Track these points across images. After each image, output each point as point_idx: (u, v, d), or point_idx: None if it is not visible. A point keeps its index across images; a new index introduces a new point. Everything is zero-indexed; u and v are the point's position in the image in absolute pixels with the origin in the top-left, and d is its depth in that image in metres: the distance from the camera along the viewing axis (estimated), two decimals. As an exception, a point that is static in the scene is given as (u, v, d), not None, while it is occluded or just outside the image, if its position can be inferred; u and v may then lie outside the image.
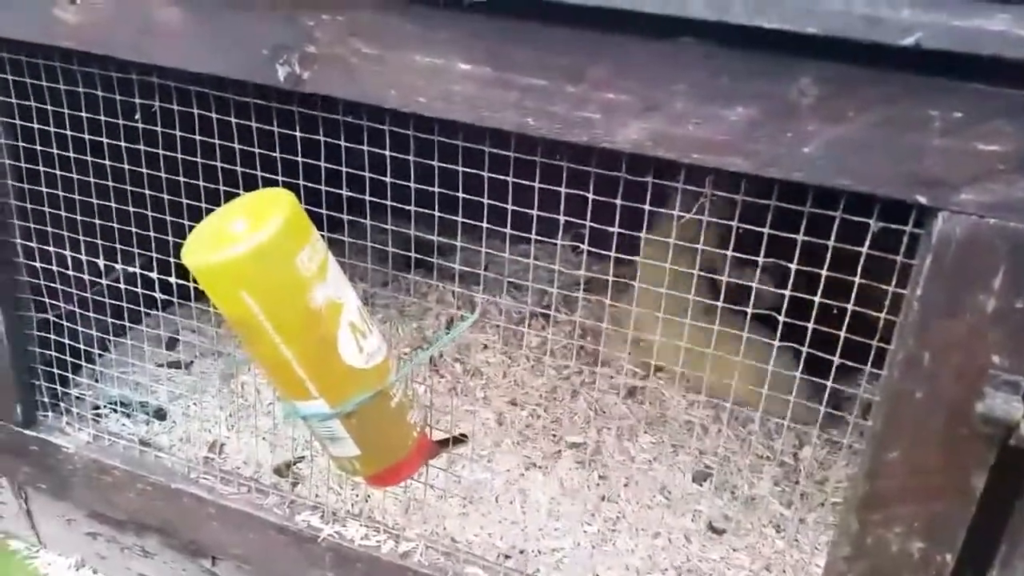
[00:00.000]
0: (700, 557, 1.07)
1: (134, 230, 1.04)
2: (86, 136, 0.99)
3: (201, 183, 0.94)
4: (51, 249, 1.08)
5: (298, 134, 0.89)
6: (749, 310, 0.81)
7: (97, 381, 1.24)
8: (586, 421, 1.30)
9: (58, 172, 1.03)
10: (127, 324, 1.11)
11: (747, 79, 0.64)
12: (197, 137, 0.94)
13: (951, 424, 0.68)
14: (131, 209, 1.02)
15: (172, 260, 0.90)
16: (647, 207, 0.77)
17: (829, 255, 0.70)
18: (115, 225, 1.03)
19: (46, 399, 1.17)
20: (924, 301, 0.65)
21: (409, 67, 0.74)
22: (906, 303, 0.67)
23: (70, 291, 1.10)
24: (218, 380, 1.34)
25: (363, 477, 0.88)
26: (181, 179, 0.97)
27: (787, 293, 0.75)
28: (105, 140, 0.98)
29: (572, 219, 0.82)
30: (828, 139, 0.63)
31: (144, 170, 0.99)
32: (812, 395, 0.87)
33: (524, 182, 0.81)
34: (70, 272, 1.08)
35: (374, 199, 0.90)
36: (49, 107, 0.98)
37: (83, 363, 1.18)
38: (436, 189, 0.85)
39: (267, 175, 0.91)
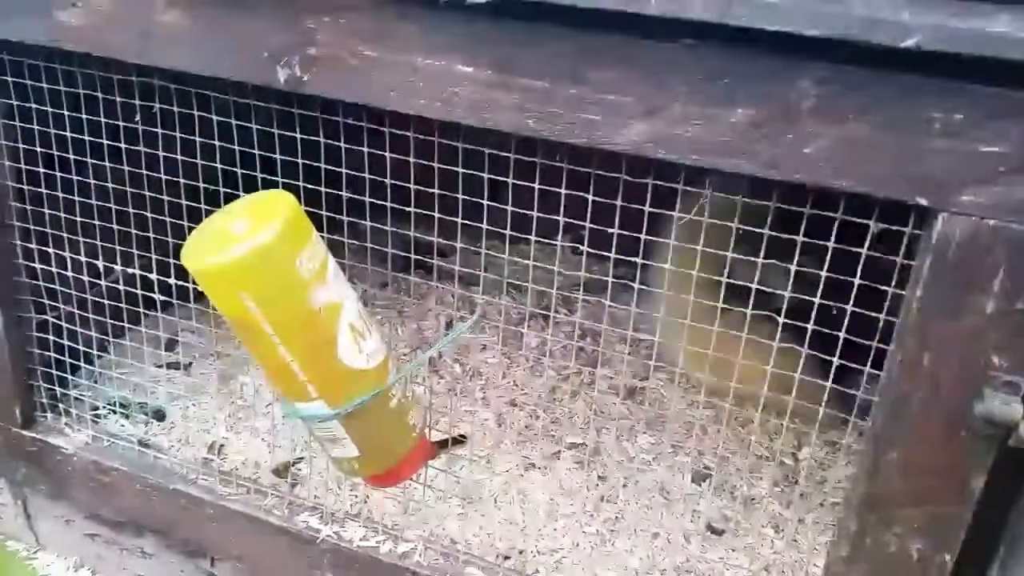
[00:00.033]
0: (699, 558, 1.07)
1: (133, 231, 1.04)
2: (86, 137, 0.99)
3: (201, 184, 0.94)
4: (50, 250, 1.08)
5: (298, 135, 0.89)
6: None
7: (96, 382, 1.24)
8: (585, 422, 1.30)
9: (58, 173, 1.03)
10: (126, 325, 1.11)
11: (748, 81, 0.64)
12: (197, 139, 0.94)
13: (950, 425, 0.68)
14: (131, 210, 1.02)
15: (171, 261, 0.90)
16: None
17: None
18: (114, 226, 1.03)
19: (45, 400, 1.17)
20: (924, 302, 0.66)
21: (410, 69, 0.74)
22: (906, 304, 0.68)
23: (69, 292, 1.10)
24: (217, 381, 1.34)
25: (362, 478, 0.88)
26: (181, 180, 0.97)
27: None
28: (105, 142, 0.98)
29: (572, 220, 0.82)
30: (829, 141, 0.63)
31: (144, 171, 0.99)
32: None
33: (524, 183, 0.81)
34: (69, 273, 1.08)
35: (374, 200, 0.90)
36: (49, 109, 0.98)
37: (82, 364, 1.18)
38: (436, 191, 0.85)
39: (267, 176, 0.91)
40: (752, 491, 1.19)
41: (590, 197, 0.79)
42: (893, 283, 0.70)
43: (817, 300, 0.75)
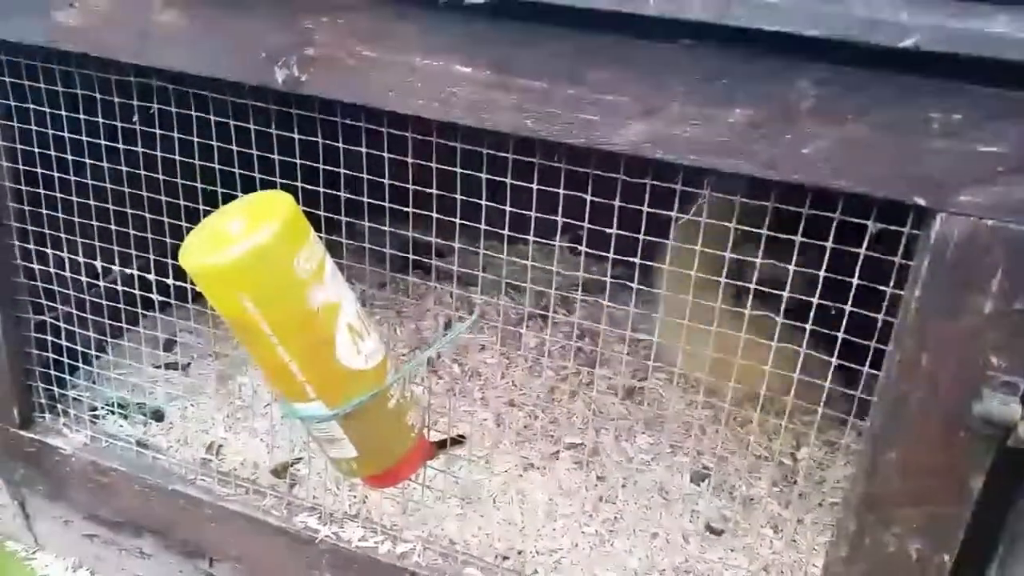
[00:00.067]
0: (698, 558, 1.07)
1: (132, 232, 1.03)
2: (84, 138, 0.99)
3: (199, 185, 0.94)
4: (49, 251, 1.07)
5: (296, 136, 0.89)
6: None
7: (94, 383, 1.24)
8: (584, 422, 1.30)
9: (56, 174, 1.02)
10: (124, 326, 1.11)
11: (746, 81, 0.64)
12: (195, 139, 0.93)
13: (949, 425, 0.68)
14: (129, 211, 1.02)
15: (170, 262, 0.90)
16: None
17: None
18: (113, 227, 1.03)
19: (43, 401, 1.17)
20: (922, 302, 0.66)
21: (408, 69, 0.74)
22: (904, 304, 0.68)
23: (68, 293, 1.10)
24: (215, 381, 1.34)
25: (361, 478, 0.88)
26: (179, 181, 0.97)
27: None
28: (103, 142, 0.98)
29: (570, 220, 0.82)
30: (827, 141, 0.63)
31: (142, 172, 0.99)
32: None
33: (522, 183, 0.81)
34: (68, 274, 1.08)
35: (372, 201, 0.90)
36: (47, 109, 0.98)
37: (80, 365, 1.18)
38: (434, 191, 0.85)
39: (265, 177, 0.91)
40: (751, 491, 1.19)
41: (588, 197, 0.79)
42: (892, 284, 0.71)
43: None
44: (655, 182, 0.75)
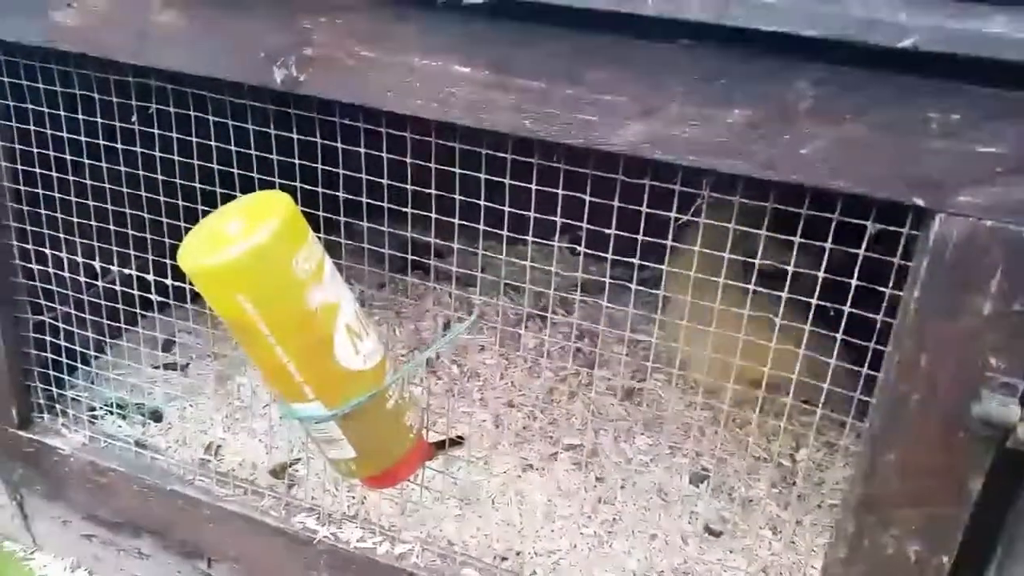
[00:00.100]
0: (697, 559, 1.07)
1: (130, 232, 1.03)
2: (82, 138, 0.99)
3: (197, 185, 0.94)
4: (47, 251, 1.07)
5: (295, 136, 0.89)
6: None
7: (93, 383, 1.24)
8: (583, 423, 1.30)
9: (54, 174, 1.02)
10: (123, 326, 1.11)
11: (745, 81, 0.64)
12: (193, 139, 0.93)
13: (948, 426, 0.68)
14: (127, 211, 1.02)
15: (168, 262, 0.90)
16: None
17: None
18: (111, 227, 1.03)
19: (42, 401, 1.17)
20: (921, 303, 0.66)
21: (407, 70, 0.74)
22: (903, 305, 0.68)
23: (66, 293, 1.10)
24: (214, 382, 1.34)
25: (359, 479, 0.88)
26: (177, 181, 0.97)
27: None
28: (101, 142, 0.98)
29: (569, 221, 0.82)
30: (826, 141, 0.63)
31: (140, 172, 0.99)
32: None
33: (521, 184, 0.81)
34: (66, 274, 1.08)
35: (371, 201, 0.90)
36: (46, 109, 0.98)
37: (79, 365, 1.18)
38: (433, 191, 0.85)
39: (263, 177, 0.90)
40: (750, 492, 1.19)
41: (587, 198, 0.79)
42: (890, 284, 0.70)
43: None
44: (654, 182, 0.75)
